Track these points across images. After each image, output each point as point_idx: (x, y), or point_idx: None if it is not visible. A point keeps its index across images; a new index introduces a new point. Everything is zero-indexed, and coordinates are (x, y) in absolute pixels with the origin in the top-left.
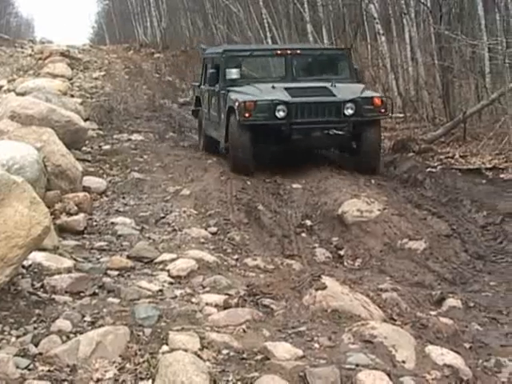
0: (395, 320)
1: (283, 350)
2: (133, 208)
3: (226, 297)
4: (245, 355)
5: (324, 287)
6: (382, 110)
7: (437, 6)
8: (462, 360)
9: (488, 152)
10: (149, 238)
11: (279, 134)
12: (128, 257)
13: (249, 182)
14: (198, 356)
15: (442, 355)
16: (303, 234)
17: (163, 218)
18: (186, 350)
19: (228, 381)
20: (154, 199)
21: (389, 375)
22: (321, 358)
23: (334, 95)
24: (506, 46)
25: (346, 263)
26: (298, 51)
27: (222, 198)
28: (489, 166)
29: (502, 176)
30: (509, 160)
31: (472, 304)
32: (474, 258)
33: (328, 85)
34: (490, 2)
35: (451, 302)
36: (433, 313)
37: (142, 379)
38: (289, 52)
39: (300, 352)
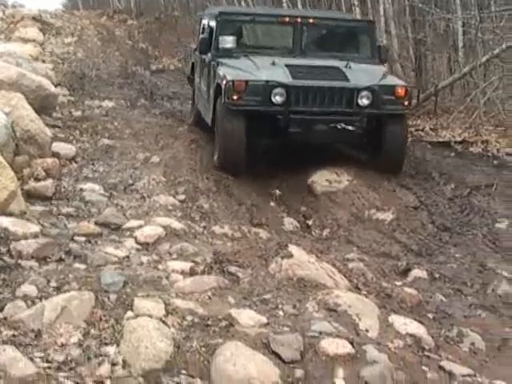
0: (360, 289)
1: (248, 317)
2: (102, 175)
3: (193, 264)
4: (209, 322)
5: (290, 256)
6: (406, 103)
7: None
8: (424, 329)
9: (458, 125)
10: (117, 205)
11: (274, 124)
12: (95, 223)
13: None
14: (163, 322)
15: (405, 325)
16: (272, 204)
17: (132, 185)
18: (150, 316)
19: (191, 347)
20: (123, 166)
21: (351, 343)
22: (285, 325)
23: (347, 79)
24: (479, 20)
25: (313, 233)
26: (311, 20)
27: (192, 166)
28: (458, 139)
29: (471, 150)
30: (478, 134)
31: (437, 275)
32: (441, 230)
33: (342, 65)
34: None
35: (416, 272)
36: (398, 283)
37: (106, 344)
38: (299, 20)
39: (264, 319)
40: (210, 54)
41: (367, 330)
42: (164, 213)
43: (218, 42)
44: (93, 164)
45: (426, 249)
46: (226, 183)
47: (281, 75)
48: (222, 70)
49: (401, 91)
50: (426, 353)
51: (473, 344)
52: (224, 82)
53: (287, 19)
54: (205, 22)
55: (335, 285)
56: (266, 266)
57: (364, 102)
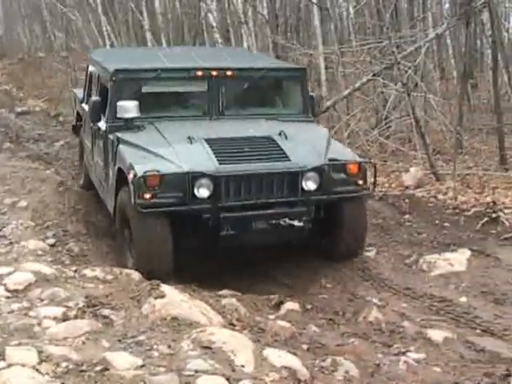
0: (234, 325)
1: (122, 360)
2: None
3: (65, 309)
4: (84, 367)
5: (163, 296)
6: (360, 182)
7: (274, 16)
8: (299, 361)
9: None
10: None
11: (200, 225)
12: None
13: (87, 193)
14: (37, 370)
15: (280, 357)
16: None
17: None
18: (23, 365)
19: None
20: None
21: (228, 379)
22: (160, 365)
23: (287, 158)
24: (340, 54)
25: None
26: (229, 72)
27: (60, 209)
28: None
29: None
30: None
31: (309, 306)
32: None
33: (274, 132)
34: (325, 13)
35: (289, 305)
36: (271, 317)
37: None
38: (215, 74)
39: (139, 361)
40: (104, 124)
41: (243, 366)
42: (34, 258)
43: (116, 110)
44: None
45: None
46: (95, 225)
47: (203, 160)
48: (125, 153)
49: (353, 168)
50: None
51: (347, 372)
52: (131, 175)
53: (200, 73)
54: (92, 70)
55: (209, 322)
56: (139, 307)
57: (310, 186)
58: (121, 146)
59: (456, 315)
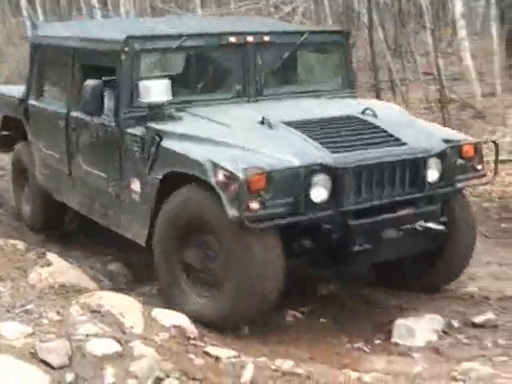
0: (124, 289)
1: (12, 330)
2: None
3: None
4: None
5: (49, 264)
6: (479, 167)
7: None
8: (187, 319)
9: None
10: None
11: (320, 240)
12: None
13: None
14: None
15: (169, 317)
16: None
17: None
18: None
19: None
20: None
21: (119, 341)
22: (50, 332)
23: (398, 140)
24: (219, 16)
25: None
26: (266, 38)
27: None
28: None
29: None
30: None
31: None
32: None
33: (355, 111)
34: None
35: None
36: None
37: None
38: (250, 40)
39: (29, 329)
40: (113, 117)
41: (132, 327)
42: None
43: (133, 95)
44: None
45: None
46: None
47: (308, 149)
48: (185, 150)
49: (469, 150)
50: (192, 341)
51: (236, 327)
52: (221, 176)
53: (234, 39)
54: (50, 51)
55: (98, 287)
56: (25, 276)
57: (433, 176)
58: (167, 142)
59: None
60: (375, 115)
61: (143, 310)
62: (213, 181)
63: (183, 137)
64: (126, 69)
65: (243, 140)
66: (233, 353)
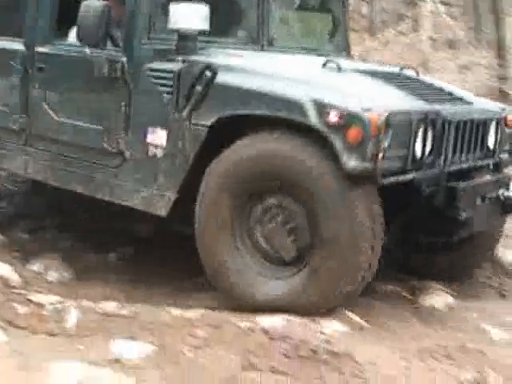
0: None
1: None
2: None
3: None
4: None
5: None
6: None
7: None
8: (9, 267)
9: None
10: None
11: (421, 205)
12: None
13: None
14: None
15: None
16: None
17: None
18: None
19: None
20: None
21: None
22: None
23: (463, 99)
24: None
25: None
26: None
27: None
28: None
29: None
30: None
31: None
32: None
33: (390, 68)
34: None
35: None
36: None
37: None
38: None
39: None
40: (113, 50)
41: None
42: None
43: (168, 19)
44: None
45: None
46: None
47: (400, 96)
48: (264, 87)
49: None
50: (15, 290)
51: (60, 273)
52: (334, 117)
53: None
54: None
55: None
56: None
57: (493, 141)
58: (226, 77)
59: None
60: (417, 73)
61: None
62: (318, 124)
63: (250, 72)
64: None
65: (328, 81)
66: (56, 298)
